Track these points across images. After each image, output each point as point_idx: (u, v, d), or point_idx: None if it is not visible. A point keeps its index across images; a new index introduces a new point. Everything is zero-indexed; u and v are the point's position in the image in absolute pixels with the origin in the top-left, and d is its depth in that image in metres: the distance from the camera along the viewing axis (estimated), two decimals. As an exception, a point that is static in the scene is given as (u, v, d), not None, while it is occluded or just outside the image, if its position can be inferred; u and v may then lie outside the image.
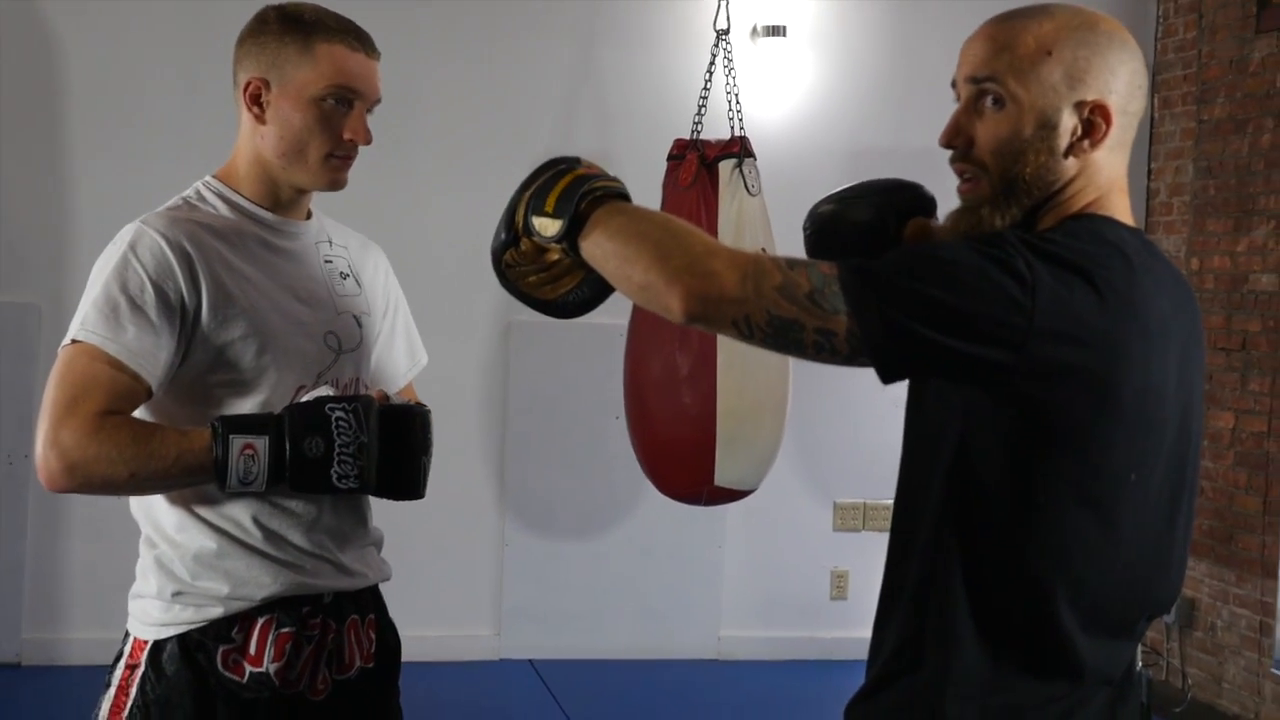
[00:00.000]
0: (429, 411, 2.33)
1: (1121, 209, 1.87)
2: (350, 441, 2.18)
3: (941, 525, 1.80)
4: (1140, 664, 1.99)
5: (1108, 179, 1.86)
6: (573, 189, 1.89)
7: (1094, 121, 1.82)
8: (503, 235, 1.96)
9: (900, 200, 2.09)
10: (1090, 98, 1.81)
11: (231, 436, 2.14)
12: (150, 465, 2.13)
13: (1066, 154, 1.82)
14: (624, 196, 1.92)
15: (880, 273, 1.72)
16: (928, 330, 1.68)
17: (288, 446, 2.16)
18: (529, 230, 1.92)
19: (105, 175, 5.29)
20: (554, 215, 1.89)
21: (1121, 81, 1.83)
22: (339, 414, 2.18)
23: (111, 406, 2.14)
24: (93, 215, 5.22)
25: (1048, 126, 1.81)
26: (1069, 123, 1.82)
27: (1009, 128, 1.82)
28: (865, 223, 2.08)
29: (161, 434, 2.16)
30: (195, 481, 2.20)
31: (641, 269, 1.78)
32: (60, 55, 5.31)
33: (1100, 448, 1.75)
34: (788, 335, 1.72)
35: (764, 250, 1.68)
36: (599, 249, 1.86)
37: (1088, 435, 1.74)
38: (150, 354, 2.17)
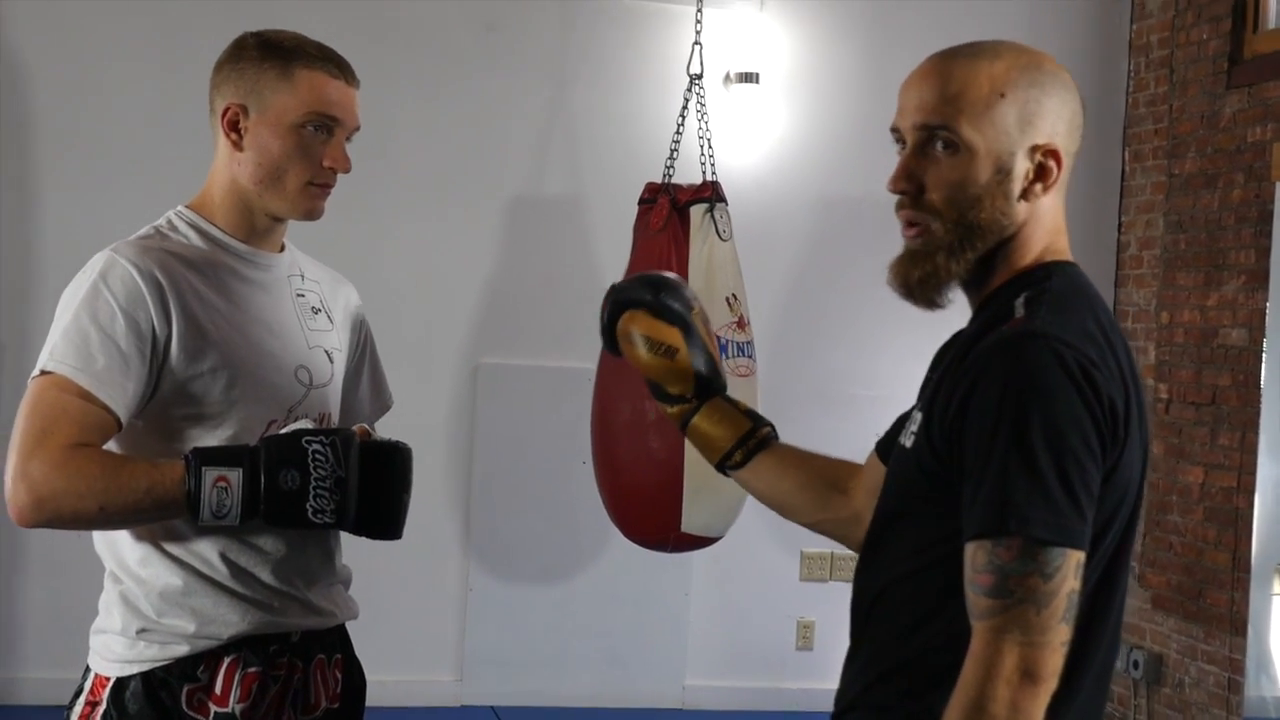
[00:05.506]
0: (410, 450, 2.28)
1: (1066, 250, 1.88)
2: (327, 475, 2.13)
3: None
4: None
5: (1053, 221, 1.86)
6: None
7: (1046, 165, 1.81)
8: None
9: (618, 299, 2.31)
10: (1041, 140, 1.80)
11: (204, 468, 2.10)
12: (121, 498, 2.08)
13: (1020, 198, 1.81)
14: None
15: (1023, 504, 1.64)
16: (1081, 492, 1.65)
17: (263, 479, 2.11)
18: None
19: (71, 209, 5.22)
20: None
21: (1065, 123, 1.83)
22: (316, 447, 2.14)
23: (81, 438, 2.09)
24: (58, 250, 5.14)
25: (1002, 171, 1.79)
26: (1022, 167, 1.80)
27: (963, 173, 1.79)
28: (603, 326, 2.33)
29: (132, 466, 2.11)
30: (167, 515, 2.14)
31: None
32: (26, 84, 5.25)
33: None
34: (1070, 611, 1.64)
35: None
36: None
37: None
38: (120, 385, 2.12)
